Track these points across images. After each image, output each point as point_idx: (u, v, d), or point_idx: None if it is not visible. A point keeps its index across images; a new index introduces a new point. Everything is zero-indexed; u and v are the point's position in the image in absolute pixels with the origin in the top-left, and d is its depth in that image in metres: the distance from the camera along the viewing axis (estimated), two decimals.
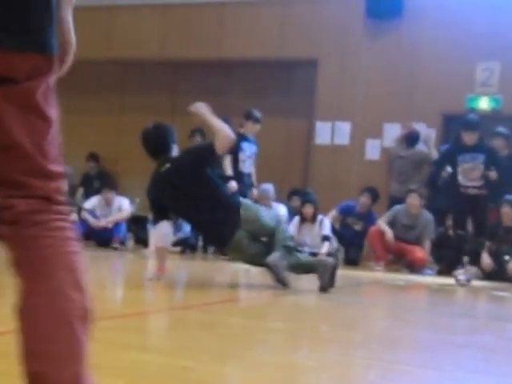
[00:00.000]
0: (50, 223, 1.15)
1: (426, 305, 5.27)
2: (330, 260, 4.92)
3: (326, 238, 8.67)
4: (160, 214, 4.74)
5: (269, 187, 8.84)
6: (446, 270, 8.21)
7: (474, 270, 7.31)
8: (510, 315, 4.89)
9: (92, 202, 9.44)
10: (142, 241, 9.38)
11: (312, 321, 3.57)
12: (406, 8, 10.13)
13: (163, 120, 11.63)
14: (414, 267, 8.77)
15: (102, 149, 11.53)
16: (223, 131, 4.71)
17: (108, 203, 9.36)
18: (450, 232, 8.15)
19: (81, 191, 10.97)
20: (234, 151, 8.12)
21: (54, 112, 1.27)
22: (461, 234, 7.06)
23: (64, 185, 1.25)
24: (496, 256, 7.82)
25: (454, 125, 9.71)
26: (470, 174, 6.78)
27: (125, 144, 11.70)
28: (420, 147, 9.60)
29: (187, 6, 11.34)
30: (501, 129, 8.62)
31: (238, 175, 8.20)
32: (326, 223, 8.74)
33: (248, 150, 8.36)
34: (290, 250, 4.76)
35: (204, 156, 4.78)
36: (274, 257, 4.56)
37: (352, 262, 9.16)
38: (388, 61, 10.19)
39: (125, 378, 1.68)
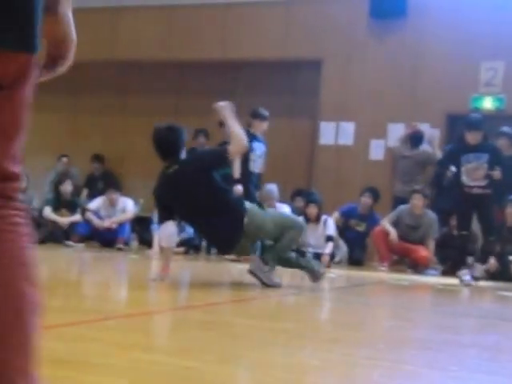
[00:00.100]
0: (9, 218, 1.18)
1: (431, 305, 5.26)
2: (320, 271, 4.91)
3: (329, 239, 8.67)
4: (165, 214, 4.74)
5: (273, 187, 8.83)
6: (450, 270, 8.20)
7: (481, 268, 7.29)
8: None
9: (96, 203, 9.46)
10: (146, 241, 9.39)
11: (316, 321, 3.57)
12: (410, 8, 10.12)
13: (168, 121, 11.66)
14: (417, 267, 8.77)
15: (107, 150, 11.55)
16: (239, 137, 4.73)
17: (112, 204, 9.37)
18: (455, 232, 8.13)
19: (85, 192, 10.99)
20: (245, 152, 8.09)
21: (26, 116, 1.28)
22: (464, 234, 7.04)
23: (21, 184, 1.28)
24: (500, 256, 7.81)
25: (458, 125, 9.70)
26: (473, 174, 6.76)
27: (129, 145, 11.72)
28: (424, 147, 9.60)
29: (191, 8, 11.35)
30: (505, 128, 8.61)
31: (248, 175, 8.15)
32: (330, 223, 8.73)
33: (258, 149, 8.33)
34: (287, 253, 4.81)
35: (215, 162, 4.79)
36: (253, 265, 4.65)
37: (356, 262, 9.16)
38: (392, 61, 10.18)
39: (128, 377, 1.68)
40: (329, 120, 10.47)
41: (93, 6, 11.56)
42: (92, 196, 10.30)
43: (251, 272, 4.68)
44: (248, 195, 7.97)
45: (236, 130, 4.76)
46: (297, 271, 5.54)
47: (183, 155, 4.90)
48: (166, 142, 4.84)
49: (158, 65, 11.55)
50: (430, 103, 9.87)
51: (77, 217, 9.49)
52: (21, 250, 1.23)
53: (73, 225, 9.44)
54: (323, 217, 8.75)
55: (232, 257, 7.28)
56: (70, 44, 1.30)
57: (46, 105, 12.16)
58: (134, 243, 9.97)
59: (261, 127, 8.38)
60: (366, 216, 9.29)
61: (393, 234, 8.71)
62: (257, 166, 8.30)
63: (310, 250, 8.63)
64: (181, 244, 8.69)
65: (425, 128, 9.71)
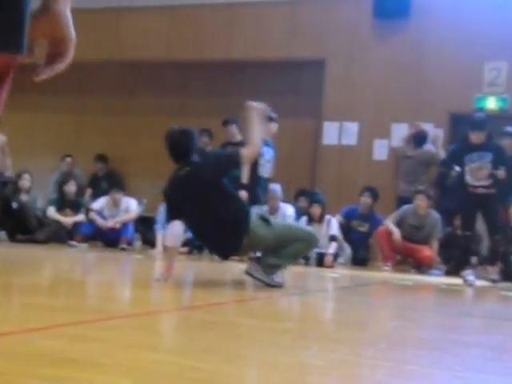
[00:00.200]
0: None
1: (434, 305, 5.26)
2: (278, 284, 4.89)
3: (333, 238, 8.66)
4: (173, 214, 4.75)
5: (276, 187, 8.83)
6: (454, 270, 8.19)
7: (495, 270, 7.23)
8: None
9: (100, 203, 9.47)
10: (150, 241, 9.40)
11: (320, 321, 3.57)
12: (414, 8, 10.12)
13: (171, 121, 11.68)
14: (421, 267, 8.76)
15: (110, 150, 11.56)
16: (255, 143, 4.74)
17: (116, 204, 9.38)
18: (458, 232, 8.13)
19: (89, 192, 11.01)
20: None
21: None
22: (468, 234, 7.02)
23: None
24: (504, 256, 7.79)
25: (461, 124, 9.69)
26: (477, 174, 6.75)
27: (132, 145, 11.73)
28: (428, 147, 9.59)
29: (195, 8, 11.36)
30: (509, 128, 8.59)
31: (257, 180, 8.13)
32: (333, 223, 8.73)
33: (267, 154, 8.30)
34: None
35: (227, 166, 4.81)
36: (249, 268, 4.69)
37: (361, 262, 9.16)
38: (395, 61, 10.18)
39: (132, 377, 1.68)
40: (332, 120, 10.47)
41: (96, 7, 11.58)
42: (96, 196, 10.31)
43: (248, 273, 4.70)
44: (255, 201, 7.96)
45: (255, 135, 4.78)
46: (300, 271, 5.58)
47: (195, 157, 4.91)
48: (179, 145, 4.85)
49: (161, 65, 11.56)
50: (434, 103, 9.86)
51: (80, 217, 9.50)
52: None
53: (76, 225, 9.45)
54: (327, 217, 8.75)
55: (235, 257, 7.29)
56: (69, 42, 1.30)
57: (49, 105, 12.19)
58: (138, 243, 9.98)
59: (270, 129, 8.35)
60: (367, 216, 9.29)
61: (396, 233, 8.70)
62: (265, 170, 8.27)
63: (314, 249, 8.63)
64: (184, 244, 8.69)
65: (428, 128, 9.70)
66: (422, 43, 10.05)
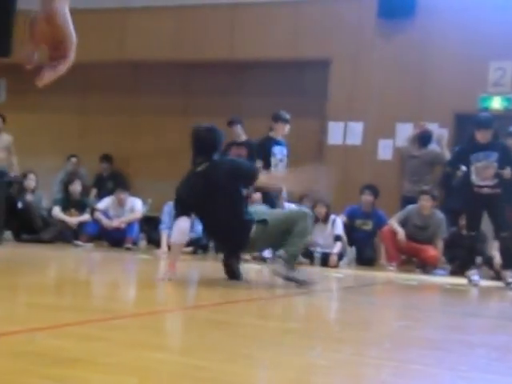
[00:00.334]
0: None
1: (439, 305, 5.25)
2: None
3: (338, 238, 8.66)
4: (182, 210, 4.77)
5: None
6: (459, 270, 8.18)
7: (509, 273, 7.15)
8: None
9: (105, 203, 9.48)
10: (155, 241, 9.41)
11: (324, 321, 3.57)
12: (419, 8, 10.10)
13: (175, 121, 11.73)
14: (426, 267, 8.76)
15: (115, 150, 11.57)
16: (274, 181, 5.02)
17: (121, 204, 9.39)
18: (463, 232, 8.11)
19: (94, 192, 11.03)
20: (266, 157, 8.08)
21: None
22: (473, 235, 6.99)
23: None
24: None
25: (466, 124, 9.67)
26: (483, 173, 6.71)
27: (138, 145, 11.75)
28: (432, 147, 9.58)
29: (200, 8, 11.36)
30: None
31: None
32: (338, 223, 8.73)
33: (279, 153, 8.31)
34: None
35: (240, 178, 4.81)
36: (276, 269, 4.77)
37: (367, 261, 9.15)
38: (400, 61, 10.16)
39: (138, 376, 1.69)
40: (337, 120, 10.46)
41: (102, 7, 11.60)
42: (101, 196, 10.33)
43: (278, 275, 4.77)
44: (268, 201, 7.97)
45: (277, 181, 4.89)
46: (307, 270, 5.54)
47: (216, 157, 4.91)
48: (203, 139, 4.90)
49: (166, 65, 11.57)
50: (439, 103, 9.85)
51: (86, 216, 9.52)
52: None
53: (82, 224, 9.47)
54: (331, 216, 8.75)
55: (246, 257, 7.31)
56: (70, 43, 1.29)
57: (55, 105, 12.21)
58: (143, 243, 10.00)
59: (282, 130, 8.35)
60: (369, 214, 9.29)
61: (401, 233, 8.69)
62: (278, 170, 8.26)
63: (319, 249, 8.64)
64: (189, 244, 8.70)
65: (433, 128, 9.69)
66: (427, 43, 10.04)
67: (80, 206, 9.70)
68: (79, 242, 9.08)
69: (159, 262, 7.56)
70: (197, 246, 8.89)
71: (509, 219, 7.69)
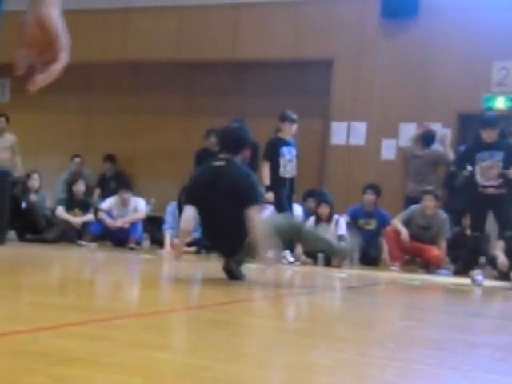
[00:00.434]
0: None
1: (442, 305, 5.25)
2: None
3: (341, 238, 8.65)
4: (188, 198, 4.81)
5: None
6: (462, 270, 8.17)
7: None
8: None
9: (108, 203, 9.50)
10: (158, 241, 9.42)
11: (327, 320, 3.57)
12: (422, 7, 10.10)
13: (179, 121, 11.73)
14: (429, 267, 8.75)
15: (119, 150, 11.59)
16: (261, 237, 4.63)
17: (124, 204, 9.41)
18: (467, 232, 8.11)
19: (97, 192, 11.05)
20: (274, 157, 8.08)
21: None
22: (476, 235, 6.97)
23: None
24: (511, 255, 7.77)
25: (469, 124, 9.67)
26: (487, 173, 6.68)
27: (141, 145, 11.76)
28: (436, 147, 9.58)
29: (202, 8, 11.38)
30: None
31: (280, 181, 8.13)
32: (341, 223, 8.73)
33: (288, 154, 8.30)
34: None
35: (240, 201, 4.68)
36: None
37: (372, 261, 9.14)
38: (403, 60, 10.16)
39: (141, 375, 1.69)
40: (340, 120, 10.46)
41: (104, 7, 11.61)
42: (104, 196, 10.35)
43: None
44: (278, 203, 7.98)
45: (262, 242, 4.67)
46: (308, 271, 5.56)
47: (236, 159, 4.85)
48: (229, 137, 4.91)
49: (168, 65, 11.59)
50: (442, 103, 9.85)
51: (89, 216, 9.53)
52: None
53: (85, 224, 9.48)
54: (335, 216, 8.75)
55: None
56: (60, 45, 1.28)
57: (58, 105, 12.23)
58: (146, 243, 10.01)
59: (290, 130, 8.36)
60: (372, 213, 9.30)
61: (404, 233, 8.69)
62: (287, 170, 8.25)
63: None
64: (192, 243, 8.71)
65: (436, 127, 9.69)
66: (430, 43, 10.03)
67: (84, 205, 9.72)
68: (83, 242, 9.10)
69: (163, 261, 7.56)
70: (200, 245, 8.90)
71: None
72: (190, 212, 4.82)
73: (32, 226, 9.25)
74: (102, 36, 11.59)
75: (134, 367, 1.79)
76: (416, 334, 3.09)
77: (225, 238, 4.79)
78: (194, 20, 11.42)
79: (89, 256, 7.67)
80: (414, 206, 8.90)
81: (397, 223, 8.81)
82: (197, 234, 8.80)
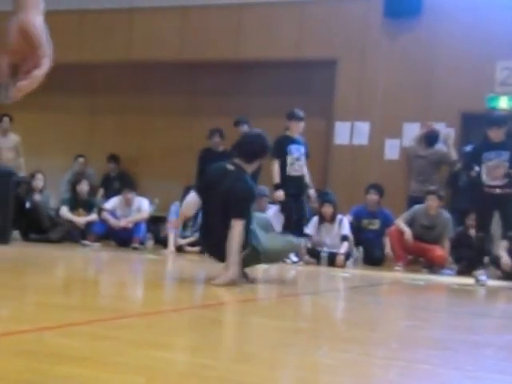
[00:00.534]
0: None
1: (446, 305, 5.25)
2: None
3: (344, 238, 8.66)
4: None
5: (263, 188, 8.92)
6: (466, 270, 8.17)
7: None
8: None
9: (112, 203, 9.51)
10: (162, 241, 9.43)
11: (331, 320, 3.57)
12: (425, 7, 10.09)
13: (182, 121, 11.73)
14: (433, 267, 8.75)
15: (122, 150, 11.60)
16: (234, 256, 4.46)
17: (128, 204, 9.42)
18: (471, 232, 8.10)
19: (101, 192, 11.06)
20: (282, 155, 8.09)
21: None
22: (481, 236, 6.94)
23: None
24: None
25: (473, 124, 9.67)
26: (494, 172, 6.64)
27: (144, 145, 11.77)
28: (439, 147, 9.57)
29: (205, 8, 11.39)
30: None
31: (286, 179, 8.12)
32: (345, 223, 8.73)
33: (296, 152, 8.30)
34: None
35: (229, 207, 4.57)
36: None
37: (376, 261, 9.13)
38: (407, 60, 10.15)
39: (145, 375, 1.69)
40: (344, 120, 10.46)
41: (108, 8, 11.63)
42: (108, 196, 10.36)
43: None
44: (283, 203, 7.99)
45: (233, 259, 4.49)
46: (312, 271, 5.54)
47: (250, 167, 4.80)
48: (247, 143, 4.84)
49: (172, 65, 11.60)
50: (446, 103, 9.84)
51: (93, 216, 9.54)
52: None
53: (89, 224, 9.50)
54: (338, 216, 8.75)
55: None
56: (43, 52, 1.29)
57: (62, 105, 12.25)
58: (150, 243, 10.02)
59: (297, 128, 8.37)
60: (375, 213, 9.29)
61: (408, 233, 8.68)
62: (295, 168, 8.24)
63: (326, 249, 8.64)
64: (195, 243, 8.72)
65: (440, 127, 9.68)
66: (433, 42, 10.02)
67: (87, 205, 9.73)
68: (87, 242, 9.11)
69: (166, 261, 7.57)
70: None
71: None
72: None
73: (36, 226, 9.26)
74: (105, 36, 11.61)
75: (139, 366, 1.79)
76: (420, 334, 3.09)
77: (214, 242, 4.70)
78: (197, 20, 11.43)
79: (93, 256, 7.68)
80: (417, 206, 8.89)
81: (400, 223, 8.80)
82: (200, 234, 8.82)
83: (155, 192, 10.60)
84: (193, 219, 9.05)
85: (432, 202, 8.71)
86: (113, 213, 9.39)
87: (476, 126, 9.54)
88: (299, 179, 8.29)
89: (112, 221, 9.28)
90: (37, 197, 9.60)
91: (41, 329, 2.29)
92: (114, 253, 8.29)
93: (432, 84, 10.01)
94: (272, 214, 8.62)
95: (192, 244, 8.95)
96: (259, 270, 5.93)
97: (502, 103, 9.65)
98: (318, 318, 3.53)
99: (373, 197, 9.27)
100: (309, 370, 1.96)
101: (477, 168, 6.93)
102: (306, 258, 8.60)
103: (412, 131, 9.93)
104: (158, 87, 11.81)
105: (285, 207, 8.22)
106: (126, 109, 11.99)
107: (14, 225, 8.55)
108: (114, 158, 11.48)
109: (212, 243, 4.81)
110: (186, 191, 7.34)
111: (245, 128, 9.61)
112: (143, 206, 9.49)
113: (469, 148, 9.03)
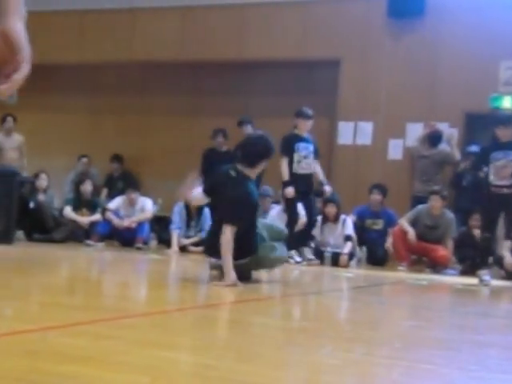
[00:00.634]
0: None
1: (449, 304, 5.24)
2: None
3: (348, 238, 8.65)
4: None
5: (267, 188, 8.90)
6: (470, 270, 8.16)
7: None
8: None
9: (116, 203, 9.52)
10: (165, 241, 9.44)
11: (335, 320, 3.57)
12: (428, 7, 10.08)
13: (185, 121, 11.73)
14: (436, 267, 8.74)
15: (126, 150, 11.61)
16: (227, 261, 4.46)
17: (132, 204, 9.42)
18: (475, 231, 8.09)
19: (105, 192, 11.07)
20: (289, 153, 8.09)
21: None
22: (487, 236, 6.91)
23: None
24: None
25: (477, 124, 9.66)
26: (501, 172, 6.59)
27: (147, 145, 11.78)
28: (443, 147, 9.56)
29: (208, 8, 11.39)
30: None
31: (293, 177, 8.12)
32: (348, 223, 8.72)
33: (304, 150, 8.29)
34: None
35: (223, 216, 4.59)
36: None
37: (380, 261, 9.11)
38: (410, 60, 10.15)
39: (149, 375, 1.70)
40: (347, 120, 10.45)
41: (108, 8, 11.64)
42: (111, 196, 10.37)
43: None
44: (287, 201, 7.97)
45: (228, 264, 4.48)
46: (315, 270, 5.52)
47: (253, 172, 4.78)
48: (249, 147, 4.81)
49: (175, 65, 11.59)
50: (449, 103, 9.83)
51: (97, 216, 9.55)
52: None
53: (93, 224, 9.51)
54: (342, 216, 8.74)
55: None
56: (23, 57, 1.31)
57: (65, 105, 12.26)
58: (153, 243, 10.02)
59: (305, 126, 8.36)
60: (379, 213, 9.28)
61: (411, 233, 8.68)
62: (302, 166, 8.22)
63: (329, 249, 8.64)
64: (199, 243, 8.72)
65: (443, 127, 9.67)
66: (436, 42, 10.01)
67: (91, 205, 9.74)
68: (90, 242, 9.12)
69: (170, 261, 7.58)
70: None
71: None
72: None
73: (40, 226, 9.27)
74: (108, 36, 11.62)
75: (142, 366, 1.80)
76: (423, 333, 3.09)
77: (214, 243, 4.69)
78: (200, 20, 11.43)
79: (96, 256, 7.69)
80: (420, 206, 8.88)
81: (404, 223, 8.79)
82: (203, 234, 8.81)
83: (159, 192, 10.61)
84: (196, 219, 9.05)
85: (435, 202, 8.70)
86: (116, 213, 9.40)
87: (479, 126, 9.52)
88: (307, 177, 8.26)
89: (116, 221, 9.29)
90: (41, 197, 9.61)
91: (45, 328, 2.30)
92: (117, 253, 8.30)
93: (435, 84, 10.00)
94: (275, 213, 8.62)
95: (196, 244, 8.96)
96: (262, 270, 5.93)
97: (506, 103, 9.64)
98: (322, 318, 3.53)
99: (376, 197, 9.26)
100: (312, 370, 1.97)
101: (485, 168, 6.87)
102: (312, 257, 8.53)
103: (415, 131, 9.92)
104: (160, 87, 11.81)
105: (290, 206, 8.21)
106: (129, 109, 12.00)
107: (17, 225, 8.56)
108: (117, 158, 11.49)
109: (211, 244, 4.82)
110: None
111: (248, 128, 9.60)
112: (147, 206, 9.50)
113: (473, 148, 9.03)
